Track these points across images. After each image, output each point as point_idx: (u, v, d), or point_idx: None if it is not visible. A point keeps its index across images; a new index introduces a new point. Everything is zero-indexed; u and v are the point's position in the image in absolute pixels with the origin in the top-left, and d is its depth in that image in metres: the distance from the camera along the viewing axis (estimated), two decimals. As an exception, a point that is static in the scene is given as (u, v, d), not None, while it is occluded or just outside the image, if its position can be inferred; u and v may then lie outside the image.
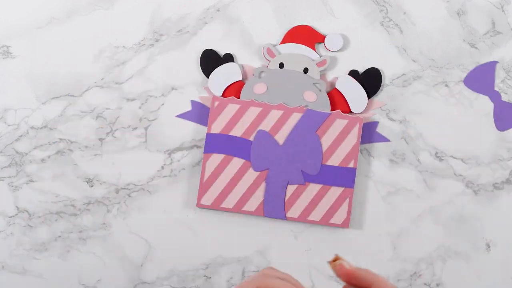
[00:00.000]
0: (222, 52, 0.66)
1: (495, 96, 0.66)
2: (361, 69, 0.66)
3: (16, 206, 0.66)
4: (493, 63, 0.66)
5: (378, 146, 0.66)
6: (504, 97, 0.67)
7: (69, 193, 0.66)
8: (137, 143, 0.66)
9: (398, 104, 0.66)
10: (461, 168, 0.66)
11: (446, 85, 0.67)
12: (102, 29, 0.67)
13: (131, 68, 0.66)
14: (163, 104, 0.66)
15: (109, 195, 0.66)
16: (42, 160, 0.66)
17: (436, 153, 0.66)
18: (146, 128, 0.66)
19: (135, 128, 0.66)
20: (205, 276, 0.65)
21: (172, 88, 0.66)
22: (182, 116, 0.66)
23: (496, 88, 0.67)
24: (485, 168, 0.66)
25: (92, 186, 0.66)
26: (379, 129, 0.66)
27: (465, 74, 0.67)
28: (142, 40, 0.67)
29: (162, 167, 0.66)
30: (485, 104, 0.67)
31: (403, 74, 0.67)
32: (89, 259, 0.66)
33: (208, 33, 0.67)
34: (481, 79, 0.66)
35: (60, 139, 0.66)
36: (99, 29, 0.67)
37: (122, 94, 0.66)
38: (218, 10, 0.67)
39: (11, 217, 0.66)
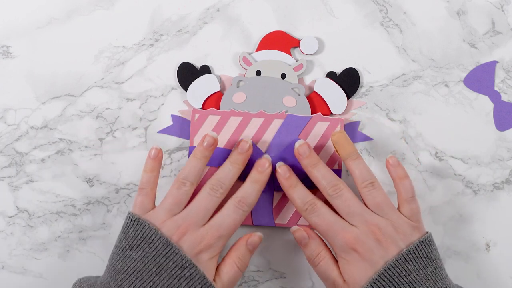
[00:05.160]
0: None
1: (495, 96, 0.66)
2: (338, 70, 0.66)
3: (16, 206, 0.66)
4: (493, 63, 0.66)
5: (378, 146, 0.66)
6: (504, 97, 0.67)
7: (69, 193, 0.66)
8: (137, 143, 0.66)
9: (398, 104, 0.66)
10: (461, 168, 0.66)
11: (446, 85, 0.67)
12: (102, 29, 0.67)
13: (131, 68, 0.67)
14: (163, 104, 0.66)
15: (109, 195, 0.66)
16: (42, 160, 0.66)
17: (436, 153, 0.66)
18: (146, 128, 0.66)
19: (135, 128, 0.66)
20: (205, 276, 0.65)
21: (172, 88, 0.66)
22: (164, 131, 0.66)
23: (496, 88, 0.67)
24: (485, 168, 0.66)
25: (92, 186, 0.66)
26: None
27: (465, 74, 0.67)
28: (142, 40, 0.67)
29: (162, 167, 0.66)
30: (485, 104, 0.67)
31: (403, 74, 0.67)
32: (89, 259, 0.66)
33: (208, 33, 0.67)
34: (481, 79, 0.66)
35: (60, 139, 0.66)
36: (99, 29, 0.67)
37: (122, 94, 0.66)
38: (218, 10, 0.67)
39: (11, 217, 0.66)
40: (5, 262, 0.66)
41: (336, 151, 0.61)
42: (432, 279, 0.55)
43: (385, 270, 0.54)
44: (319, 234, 0.60)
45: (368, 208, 0.58)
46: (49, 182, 0.66)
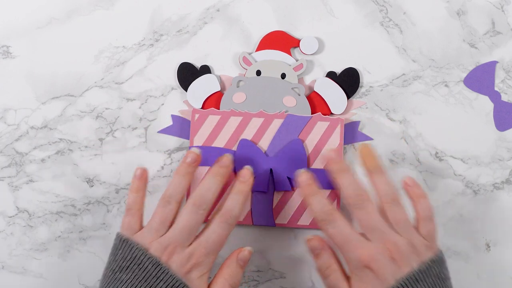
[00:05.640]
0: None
1: (495, 96, 0.66)
2: (337, 67, 0.66)
3: (16, 206, 0.66)
4: (493, 63, 0.66)
5: (378, 146, 0.66)
6: (504, 97, 0.67)
7: (69, 193, 0.66)
8: (137, 143, 0.66)
9: (398, 104, 0.66)
10: (461, 168, 0.66)
11: (446, 85, 0.67)
12: (102, 29, 0.67)
13: (131, 68, 0.67)
14: (163, 104, 0.66)
15: (109, 195, 0.66)
16: (42, 160, 0.66)
17: (436, 153, 0.66)
18: (146, 128, 0.66)
19: (135, 128, 0.66)
20: (205, 276, 0.65)
21: (172, 88, 0.66)
22: (164, 131, 0.66)
23: (496, 88, 0.67)
24: (485, 168, 0.66)
25: (92, 186, 0.66)
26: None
27: (465, 74, 0.67)
28: (142, 40, 0.67)
29: (162, 167, 0.66)
30: (485, 104, 0.67)
31: (403, 74, 0.67)
32: (89, 259, 0.66)
33: (208, 33, 0.67)
34: (481, 79, 0.66)
35: (60, 139, 0.66)
36: (99, 29, 0.67)
37: (122, 94, 0.66)
38: (218, 10, 0.67)
39: (11, 217, 0.66)
40: (5, 262, 0.66)
41: (362, 163, 0.60)
42: None
43: None
44: (332, 247, 0.59)
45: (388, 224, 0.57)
46: (49, 182, 0.66)
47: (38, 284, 0.66)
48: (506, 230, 0.66)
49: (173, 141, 0.66)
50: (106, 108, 0.66)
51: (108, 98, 0.66)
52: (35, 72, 0.67)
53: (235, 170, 0.63)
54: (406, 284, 0.54)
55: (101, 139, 0.66)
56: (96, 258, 0.66)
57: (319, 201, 0.58)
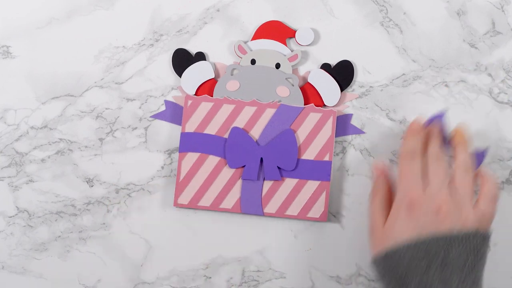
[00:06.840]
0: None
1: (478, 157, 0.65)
2: (333, 62, 0.66)
3: (16, 206, 0.66)
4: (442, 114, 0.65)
5: (378, 146, 0.66)
6: (504, 97, 0.67)
7: (69, 193, 0.66)
8: (137, 143, 0.66)
9: (398, 104, 0.66)
10: (461, 168, 0.66)
11: (446, 85, 0.67)
12: (102, 29, 0.67)
13: (131, 68, 0.67)
14: (163, 104, 0.66)
15: (109, 195, 0.66)
16: (42, 160, 0.66)
17: (436, 153, 0.66)
18: (146, 128, 0.66)
19: (135, 128, 0.66)
20: (205, 276, 0.66)
21: (172, 88, 0.66)
22: (157, 116, 0.66)
23: (496, 88, 0.67)
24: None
25: (92, 186, 0.66)
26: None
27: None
28: (142, 40, 0.67)
29: (162, 167, 0.66)
30: (485, 104, 0.67)
31: (403, 74, 0.67)
32: (89, 259, 0.66)
33: (208, 33, 0.67)
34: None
35: (60, 139, 0.66)
36: (99, 29, 0.67)
37: (122, 94, 0.66)
38: (218, 10, 0.67)
39: (11, 217, 0.66)
40: (5, 262, 0.66)
41: (453, 136, 0.61)
42: (468, 273, 0.54)
43: (425, 240, 0.54)
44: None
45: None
46: (49, 182, 0.66)
47: (38, 284, 0.66)
48: (506, 230, 0.66)
49: (173, 141, 0.66)
50: (106, 108, 0.66)
51: (108, 98, 0.66)
52: (35, 72, 0.67)
53: (226, 158, 0.64)
54: (437, 241, 0.54)
55: (101, 139, 0.66)
56: (96, 258, 0.66)
57: (416, 139, 0.60)
